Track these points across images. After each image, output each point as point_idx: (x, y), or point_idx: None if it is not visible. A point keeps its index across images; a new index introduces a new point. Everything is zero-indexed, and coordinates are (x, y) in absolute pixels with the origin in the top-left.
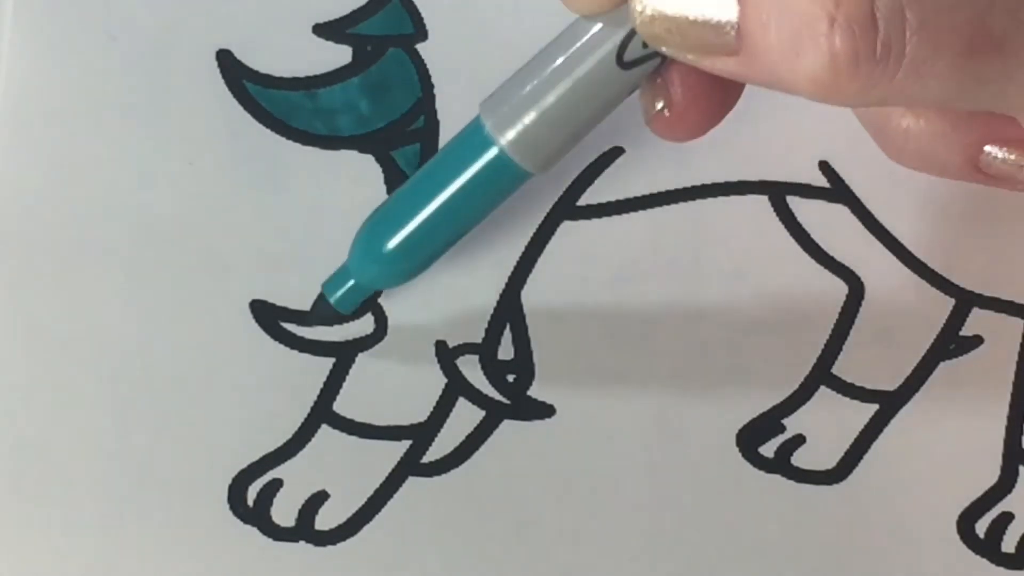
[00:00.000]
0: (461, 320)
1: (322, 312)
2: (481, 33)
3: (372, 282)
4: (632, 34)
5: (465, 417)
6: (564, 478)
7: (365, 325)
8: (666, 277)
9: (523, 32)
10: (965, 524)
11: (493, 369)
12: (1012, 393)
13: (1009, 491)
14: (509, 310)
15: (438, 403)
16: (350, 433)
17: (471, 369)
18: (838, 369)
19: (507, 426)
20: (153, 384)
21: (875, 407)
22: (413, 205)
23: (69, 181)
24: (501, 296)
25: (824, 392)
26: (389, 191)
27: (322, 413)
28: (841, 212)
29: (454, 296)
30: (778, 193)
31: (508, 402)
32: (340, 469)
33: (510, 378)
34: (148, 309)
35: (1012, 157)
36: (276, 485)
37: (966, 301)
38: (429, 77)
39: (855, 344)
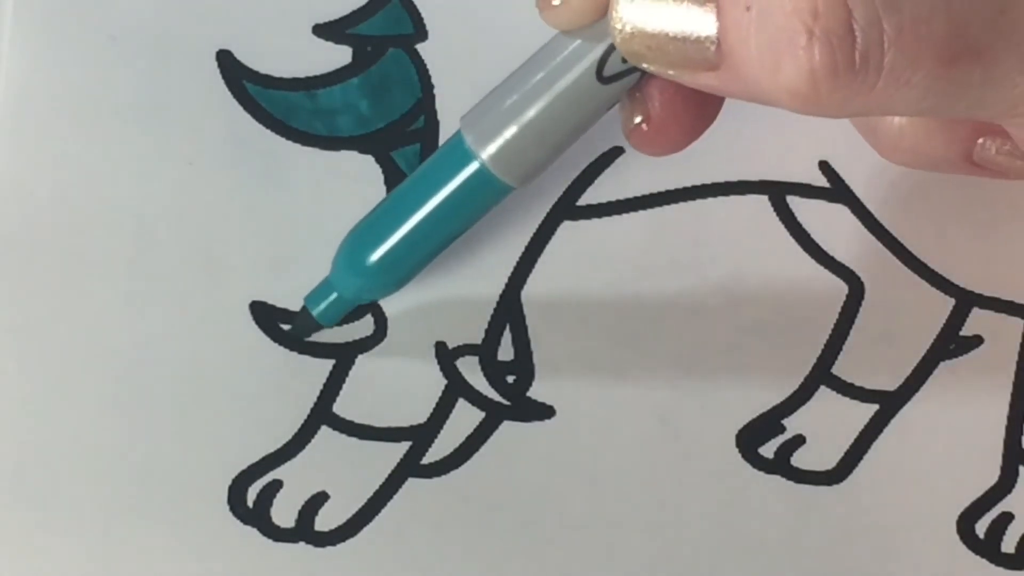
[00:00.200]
0: (461, 321)
1: (305, 324)
2: (481, 33)
3: (355, 295)
4: (612, 49)
5: (465, 418)
6: (564, 479)
7: (365, 327)
8: (666, 277)
9: (523, 32)
10: (965, 524)
11: (493, 370)
12: (1012, 393)
13: (1009, 491)
14: (509, 310)
15: (438, 404)
16: (350, 434)
17: (471, 370)
18: (838, 369)
19: (507, 427)
20: (153, 385)
21: (875, 407)
22: (395, 218)
23: (69, 181)
24: (501, 296)
25: (824, 392)
26: (389, 191)
27: (322, 414)
28: (841, 212)
29: (454, 297)
30: (778, 193)
31: (508, 403)
32: (340, 470)
33: (510, 379)
34: (148, 310)
35: (1006, 147)
36: (276, 486)
37: (966, 301)
38: (429, 77)
39: (855, 344)
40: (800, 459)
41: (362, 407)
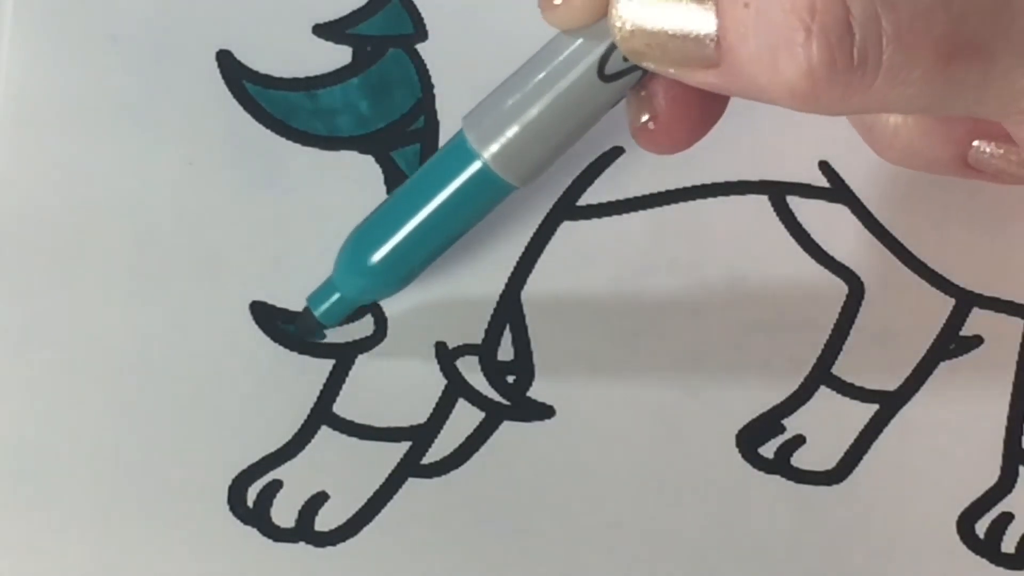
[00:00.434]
0: (461, 321)
1: (308, 325)
2: (481, 33)
3: (357, 295)
4: (613, 47)
5: (465, 418)
6: (564, 479)
7: (365, 326)
8: (666, 277)
9: (523, 32)
10: (965, 524)
11: (493, 370)
12: (1012, 393)
13: (1009, 491)
14: (509, 310)
15: (438, 404)
16: (350, 434)
17: (471, 370)
18: (838, 369)
19: (507, 427)
20: (153, 385)
21: (875, 407)
22: (397, 218)
23: (69, 181)
24: (501, 296)
25: (824, 392)
26: (389, 191)
27: (322, 414)
28: (841, 212)
29: (454, 297)
30: (778, 193)
31: (508, 403)
32: (340, 470)
33: (510, 379)
34: (148, 310)
35: (1001, 151)
36: (276, 486)
37: (966, 301)
38: (429, 77)
39: (855, 344)
40: (800, 459)
41: (362, 407)
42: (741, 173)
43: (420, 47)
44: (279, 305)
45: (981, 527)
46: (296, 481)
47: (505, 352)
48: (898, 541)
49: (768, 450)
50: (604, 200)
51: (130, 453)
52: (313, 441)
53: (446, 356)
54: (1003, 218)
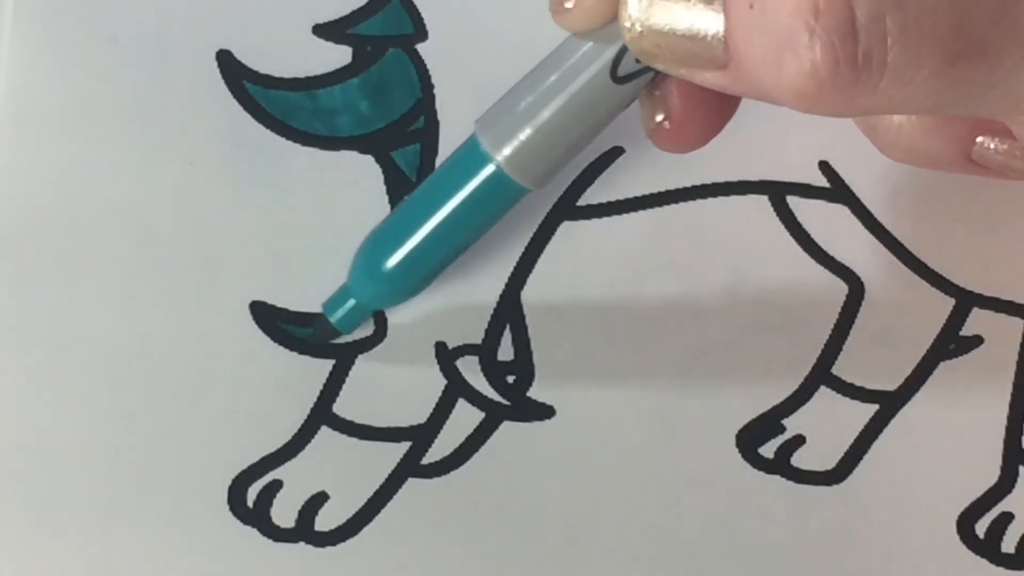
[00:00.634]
0: (461, 321)
1: (325, 332)
2: (481, 33)
3: (373, 301)
4: (625, 49)
5: (465, 418)
6: (564, 479)
7: (365, 327)
8: (666, 277)
9: (523, 33)
10: (965, 524)
11: (493, 370)
12: (1012, 393)
13: (1009, 491)
14: (509, 311)
15: (438, 404)
16: (350, 434)
17: (471, 370)
18: (838, 369)
19: (507, 427)
20: (153, 385)
21: (875, 407)
22: (412, 223)
23: (69, 181)
24: (501, 297)
25: (824, 392)
26: (389, 192)
27: (322, 414)
28: (841, 212)
29: (454, 297)
30: (778, 193)
31: (508, 403)
32: (340, 470)
33: (510, 379)
34: (148, 310)
35: (1004, 147)
36: (276, 486)
37: (966, 301)
38: (429, 77)
39: (855, 344)
40: (800, 459)
41: (362, 407)
42: (741, 173)
43: (420, 47)
44: (279, 305)
45: (981, 527)
46: (296, 481)
47: (505, 352)
48: (898, 541)
49: (768, 450)
50: (604, 200)
51: (130, 453)
52: (313, 441)
53: (446, 356)
54: (1003, 218)
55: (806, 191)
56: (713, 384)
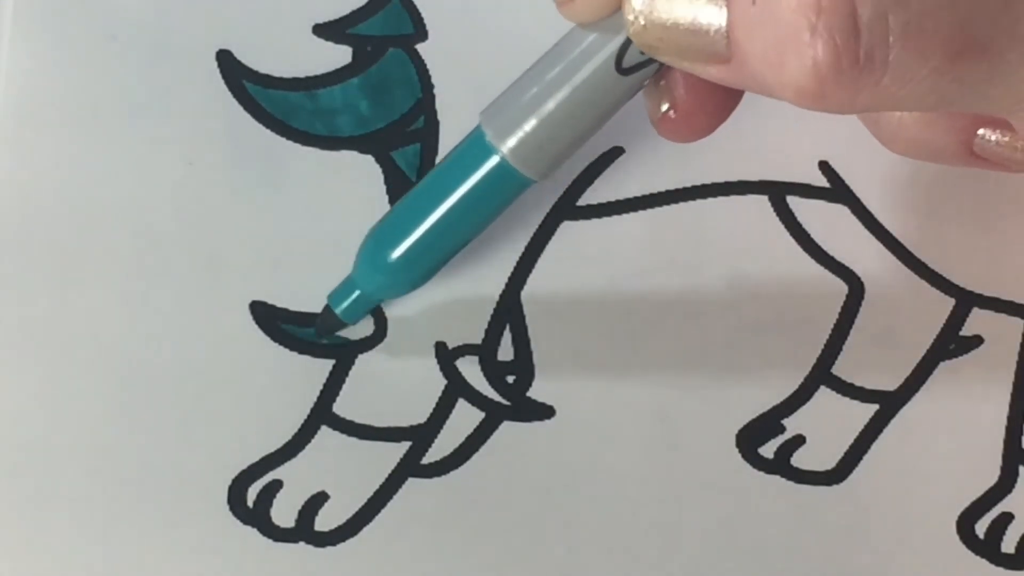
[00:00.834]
0: (461, 321)
1: (329, 323)
2: (481, 33)
3: (378, 292)
4: (630, 41)
5: (465, 418)
6: (564, 479)
7: (365, 327)
8: (666, 277)
9: (523, 32)
10: (965, 524)
11: (493, 370)
12: (1012, 393)
13: (1009, 491)
14: (509, 311)
15: (438, 404)
16: (350, 434)
17: (471, 370)
18: (838, 369)
19: (507, 427)
20: (153, 385)
21: (875, 407)
22: (417, 215)
23: (69, 181)
24: (501, 296)
25: (824, 392)
26: (389, 191)
27: (322, 414)
28: (841, 212)
29: (454, 297)
30: (778, 193)
31: (508, 403)
32: (340, 470)
33: (510, 379)
34: (148, 310)
35: (1006, 139)
36: (276, 486)
37: (966, 301)
38: (429, 77)
39: (855, 344)
40: (800, 459)
41: (362, 407)
42: (741, 173)
43: (420, 47)
44: (279, 305)
45: (981, 527)
46: (296, 481)
47: (505, 352)
48: (898, 541)
49: (768, 450)
50: (604, 200)
51: (130, 453)
52: (313, 441)
53: (446, 356)
54: (1004, 218)
55: (806, 191)
56: (713, 384)
